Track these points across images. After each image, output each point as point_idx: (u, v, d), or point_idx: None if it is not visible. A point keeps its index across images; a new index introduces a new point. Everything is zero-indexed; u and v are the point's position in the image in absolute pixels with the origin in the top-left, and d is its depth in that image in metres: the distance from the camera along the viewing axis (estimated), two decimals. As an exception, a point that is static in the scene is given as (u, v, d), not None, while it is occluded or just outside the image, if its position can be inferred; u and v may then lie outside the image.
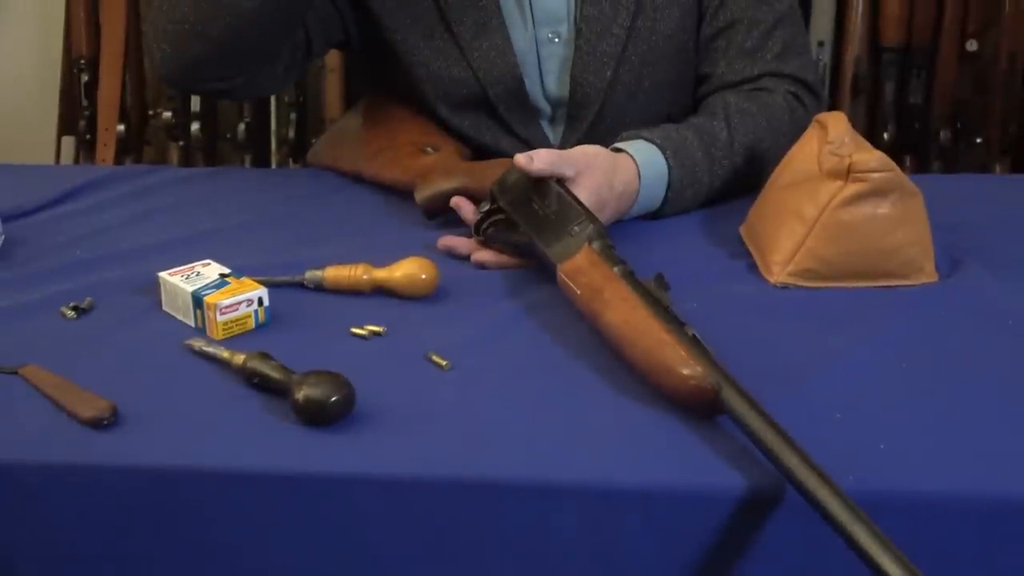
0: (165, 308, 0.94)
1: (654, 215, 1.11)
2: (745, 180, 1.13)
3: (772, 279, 0.99)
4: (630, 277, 0.87)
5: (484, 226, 1.02)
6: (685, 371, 0.77)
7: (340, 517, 0.74)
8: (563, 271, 0.91)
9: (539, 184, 0.98)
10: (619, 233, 1.01)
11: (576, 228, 0.93)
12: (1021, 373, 0.84)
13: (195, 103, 1.95)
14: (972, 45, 1.99)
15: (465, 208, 1.05)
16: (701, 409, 0.77)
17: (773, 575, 0.73)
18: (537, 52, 1.19)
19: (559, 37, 1.18)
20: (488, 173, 1.06)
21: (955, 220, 1.07)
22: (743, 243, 1.06)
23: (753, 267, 1.02)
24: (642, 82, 1.20)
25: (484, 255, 1.02)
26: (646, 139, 1.09)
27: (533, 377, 0.84)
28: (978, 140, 2.04)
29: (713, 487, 0.72)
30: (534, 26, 1.18)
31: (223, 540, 0.74)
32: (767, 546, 0.72)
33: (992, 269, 1.00)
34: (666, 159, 1.08)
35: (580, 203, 0.96)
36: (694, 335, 0.80)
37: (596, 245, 0.91)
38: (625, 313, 0.83)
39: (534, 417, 0.78)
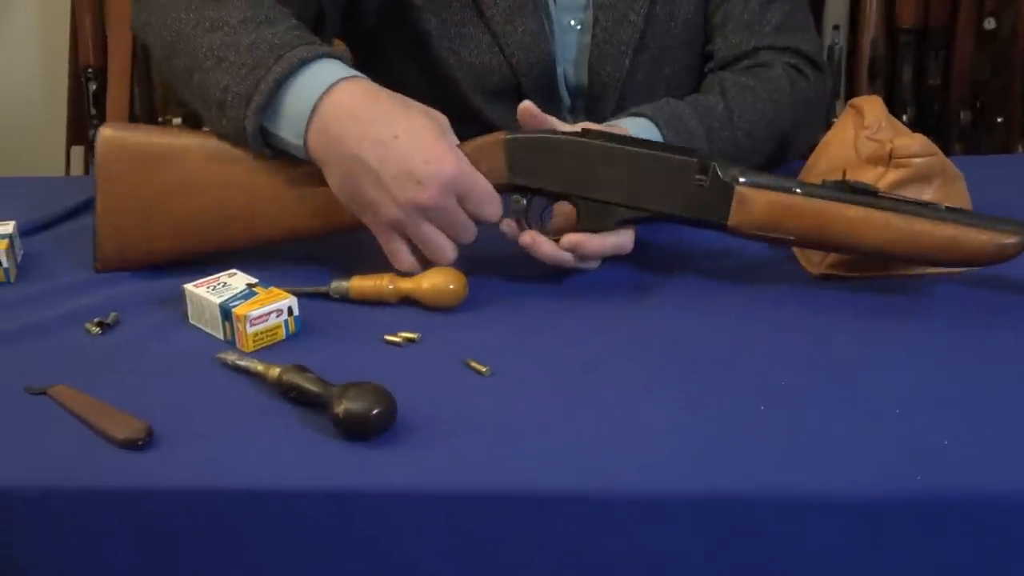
0: (192, 321, 0.91)
1: None
2: (751, 155, 1.10)
3: (813, 270, 0.97)
4: (826, 190, 0.89)
5: (540, 214, 0.95)
6: (995, 232, 0.87)
7: (386, 535, 0.71)
8: (747, 228, 0.90)
9: (595, 151, 0.92)
10: (652, 227, 0.99)
11: (699, 176, 0.90)
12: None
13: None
14: (990, 23, 1.96)
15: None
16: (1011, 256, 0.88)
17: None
18: (560, 40, 1.15)
19: (581, 24, 1.15)
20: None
21: (990, 201, 1.04)
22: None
23: (792, 258, 0.99)
24: (662, 69, 1.17)
25: (581, 238, 0.91)
26: (634, 114, 1.05)
27: (576, 381, 0.81)
28: (999, 120, 2.01)
29: (768, 491, 0.70)
30: (555, 12, 1.14)
31: (266, 562, 0.72)
32: (824, 552, 0.70)
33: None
34: (658, 127, 1.03)
35: (653, 144, 0.92)
36: (947, 207, 0.88)
37: (746, 179, 0.90)
38: (889, 221, 0.88)
39: (581, 424, 0.76)
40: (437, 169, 0.89)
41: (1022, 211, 1.02)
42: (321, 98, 0.91)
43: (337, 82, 0.91)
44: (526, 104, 0.95)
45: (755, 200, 0.89)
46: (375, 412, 0.73)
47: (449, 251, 0.92)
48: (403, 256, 0.93)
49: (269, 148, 0.95)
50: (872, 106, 1.02)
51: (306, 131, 0.91)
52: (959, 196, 0.97)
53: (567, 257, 0.93)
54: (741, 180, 0.90)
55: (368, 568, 0.71)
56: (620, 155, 0.92)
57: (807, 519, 0.69)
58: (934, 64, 1.98)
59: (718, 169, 0.90)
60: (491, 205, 0.92)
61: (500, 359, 0.83)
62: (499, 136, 0.94)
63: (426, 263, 0.93)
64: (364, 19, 1.17)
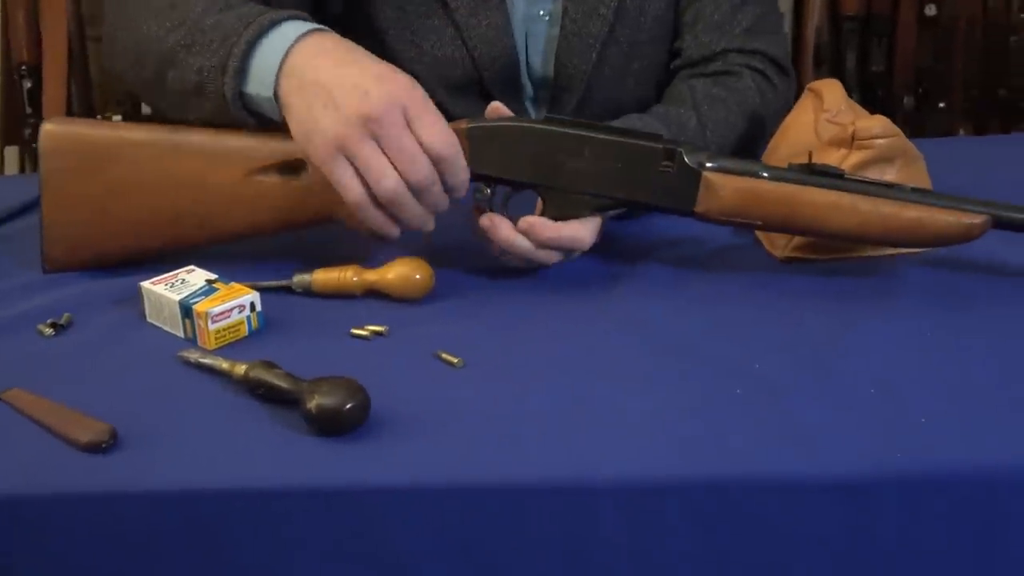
0: (150, 320, 0.89)
1: None
2: None
3: (778, 253, 0.97)
4: (793, 173, 0.89)
5: (504, 203, 0.93)
6: (960, 212, 0.88)
7: (363, 530, 0.69)
8: (715, 214, 0.89)
9: (558, 138, 0.90)
10: (614, 220, 0.98)
11: (665, 163, 0.89)
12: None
13: (146, 105, 1.88)
14: (931, 9, 1.98)
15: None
16: (977, 235, 0.89)
17: (819, 564, 0.70)
18: (526, 30, 1.14)
19: (549, 16, 1.14)
20: None
21: (940, 183, 1.05)
22: (743, 219, 1.03)
23: (757, 243, 0.99)
24: (631, 64, 1.16)
25: (535, 220, 0.90)
26: None
27: (550, 372, 0.80)
28: (941, 105, 2.04)
29: (754, 475, 0.69)
30: (524, 2, 1.13)
31: (242, 562, 0.70)
32: (812, 533, 0.69)
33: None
34: None
35: (619, 130, 0.91)
36: (912, 188, 0.89)
37: (713, 164, 0.89)
38: (856, 205, 0.88)
39: (558, 412, 0.75)
40: (389, 86, 0.86)
41: (971, 191, 1.03)
42: (293, 45, 0.89)
43: (309, 31, 0.90)
44: (495, 104, 0.94)
45: (722, 186, 0.89)
46: (348, 406, 0.71)
47: (391, 181, 0.86)
48: (350, 184, 0.86)
49: (252, 116, 0.92)
50: (831, 90, 1.02)
51: (277, 78, 0.89)
52: (920, 176, 0.97)
53: (524, 244, 0.91)
54: (708, 165, 0.90)
55: (346, 564, 0.70)
56: (584, 142, 0.90)
57: (791, 501, 0.69)
58: (877, 50, 2.01)
59: (684, 155, 0.90)
60: (441, 134, 0.87)
61: (471, 351, 0.82)
62: (460, 124, 0.92)
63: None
64: (330, 7, 1.14)
